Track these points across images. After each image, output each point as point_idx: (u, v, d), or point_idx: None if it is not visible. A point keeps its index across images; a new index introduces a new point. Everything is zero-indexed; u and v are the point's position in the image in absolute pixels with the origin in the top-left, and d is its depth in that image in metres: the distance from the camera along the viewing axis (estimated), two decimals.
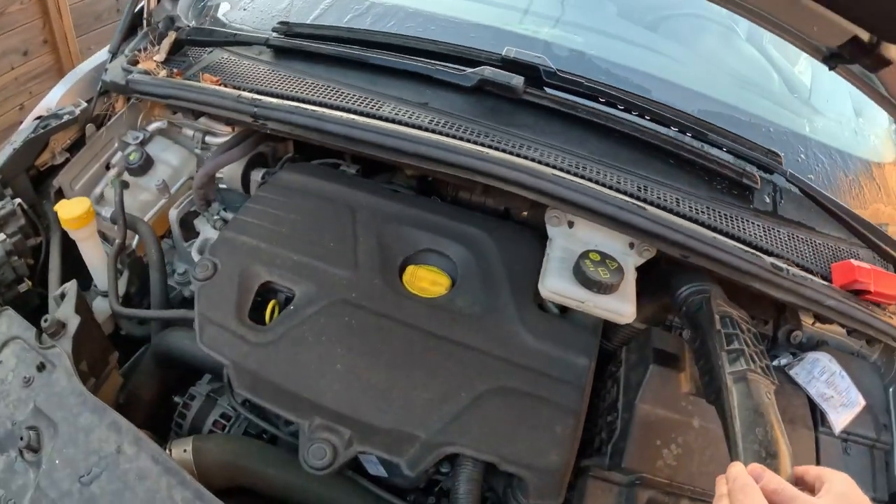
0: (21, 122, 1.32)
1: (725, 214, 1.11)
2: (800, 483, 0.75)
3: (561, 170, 1.03)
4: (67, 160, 1.23)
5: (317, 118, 1.05)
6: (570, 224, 1.06)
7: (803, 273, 1.09)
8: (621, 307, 0.99)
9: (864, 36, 1.01)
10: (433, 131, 1.06)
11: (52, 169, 1.22)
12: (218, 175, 1.33)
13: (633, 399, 1.10)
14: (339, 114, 1.06)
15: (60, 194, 1.22)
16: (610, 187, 1.03)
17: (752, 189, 1.17)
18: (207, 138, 1.36)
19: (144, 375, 1.17)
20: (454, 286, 1.12)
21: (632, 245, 1.07)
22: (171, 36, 1.24)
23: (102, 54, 1.29)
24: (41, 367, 0.97)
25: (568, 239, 1.06)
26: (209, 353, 1.00)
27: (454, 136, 1.05)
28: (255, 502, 1.06)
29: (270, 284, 1.10)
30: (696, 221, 1.06)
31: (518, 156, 1.03)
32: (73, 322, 1.00)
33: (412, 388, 0.97)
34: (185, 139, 1.38)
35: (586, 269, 0.96)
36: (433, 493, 1.08)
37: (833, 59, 1.09)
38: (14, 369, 0.96)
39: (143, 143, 1.32)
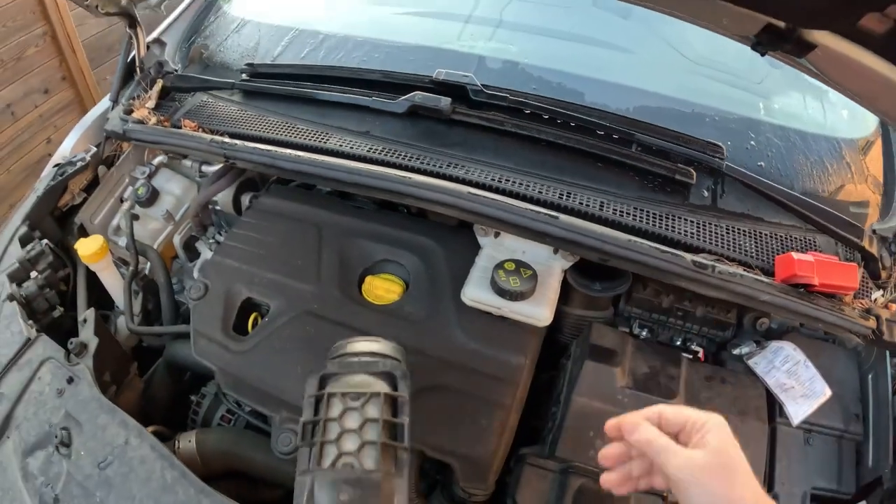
0: (50, 155, 1.62)
1: (654, 213, 1.20)
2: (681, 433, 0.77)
3: (482, 185, 1.17)
4: (85, 199, 1.51)
5: (271, 157, 1.26)
6: (497, 234, 1.20)
7: (734, 269, 1.15)
8: (536, 311, 1.12)
9: (779, 23, 1.04)
10: (370, 160, 1.23)
11: (74, 208, 1.50)
12: (216, 200, 1.57)
13: (571, 392, 1.23)
14: (288, 151, 1.25)
15: (83, 229, 1.51)
16: (530, 198, 1.16)
17: (688, 184, 1.23)
18: (204, 167, 1.60)
19: (159, 381, 1.45)
20: (406, 293, 1.29)
21: (556, 250, 1.19)
22: (159, 84, 1.48)
23: (105, 102, 1.56)
24: (70, 381, 1.25)
25: (495, 248, 1.21)
26: (201, 361, 1.25)
27: (388, 163, 1.22)
28: (248, 485, 1.32)
29: (252, 300, 1.33)
30: (618, 224, 1.16)
31: (443, 176, 1.18)
32: (93, 343, 1.28)
33: None
34: (187, 169, 1.63)
35: (498, 279, 1.11)
36: None
37: (760, 46, 1.12)
38: (49, 383, 1.25)
39: (150, 177, 1.58)
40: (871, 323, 1.22)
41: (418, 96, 1.26)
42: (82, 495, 1.12)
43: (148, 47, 1.55)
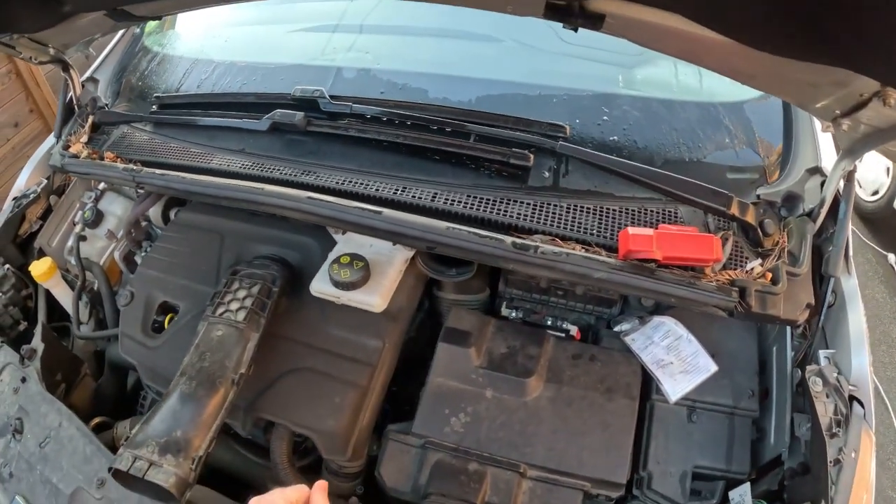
0: None
1: (488, 200, 1.36)
2: None
3: (326, 189, 1.40)
4: (42, 226, 1.90)
5: (165, 180, 1.57)
6: (344, 231, 1.43)
7: (559, 248, 1.28)
8: (369, 299, 1.35)
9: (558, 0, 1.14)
10: (241, 175, 1.51)
11: (33, 235, 1.90)
12: (149, 216, 1.91)
13: (429, 372, 1.44)
14: (179, 174, 1.55)
15: (42, 253, 1.90)
16: (367, 197, 1.37)
17: (525, 167, 1.39)
18: (140, 189, 1.94)
19: (106, 379, 1.81)
20: None
21: (395, 242, 1.39)
22: (90, 120, 1.83)
23: (52, 138, 1.94)
24: (23, 380, 1.63)
25: (346, 243, 1.44)
26: (126, 358, 1.59)
27: (253, 177, 1.49)
28: None
29: (167, 303, 1.65)
30: (447, 213, 1.34)
31: (296, 184, 1.43)
32: (40, 349, 1.65)
33: None
34: (128, 191, 1.99)
35: (332, 272, 1.35)
36: None
37: (566, 25, 1.22)
38: (8, 383, 1.64)
39: (96, 201, 1.95)
40: (734, 295, 1.27)
41: (278, 114, 1.51)
42: (27, 469, 1.49)
43: (83, 86, 1.92)
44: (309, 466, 1.51)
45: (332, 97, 1.48)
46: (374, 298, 1.35)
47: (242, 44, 1.88)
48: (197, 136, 1.67)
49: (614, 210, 1.38)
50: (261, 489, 1.47)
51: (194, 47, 1.93)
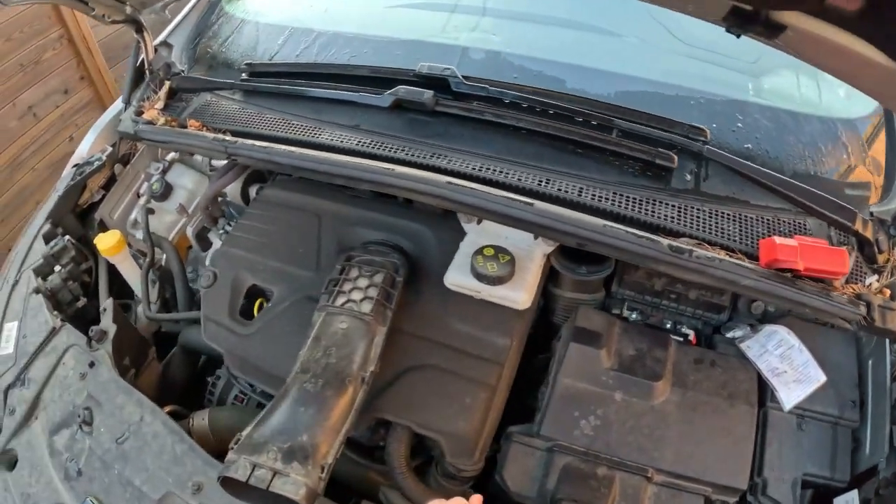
0: (73, 152, 1.86)
1: (634, 198, 1.29)
2: None
3: (463, 175, 1.29)
4: (104, 196, 1.72)
5: (267, 153, 1.41)
6: (479, 221, 1.34)
7: (712, 254, 1.24)
8: (514, 295, 1.26)
9: (745, 6, 1.11)
10: (359, 153, 1.37)
11: (93, 205, 1.71)
12: (226, 192, 1.75)
13: (557, 373, 1.36)
14: (283, 147, 1.40)
15: (102, 224, 1.71)
16: (509, 186, 1.27)
17: (669, 168, 1.33)
18: (213, 162, 1.78)
19: (176, 364, 1.64)
20: None
21: (536, 236, 1.31)
22: (167, 85, 1.66)
23: (119, 103, 1.75)
24: (91, 365, 1.44)
25: (478, 233, 1.34)
26: (210, 345, 1.43)
27: (375, 155, 1.36)
28: None
29: (257, 286, 1.51)
30: (596, 210, 1.26)
31: (426, 167, 1.31)
32: (112, 330, 1.47)
33: None
34: (198, 164, 1.82)
35: (476, 265, 1.24)
36: None
37: (733, 29, 1.19)
38: (73, 368, 1.45)
39: (164, 172, 1.78)
40: (861, 309, 1.26)
41: (402, 90, 1.39)
42: (102, 468, 1.31)
43: (156, 50, 1.73)
44: (417, 468, 1.41)
45: (464, 77, 1.38)
46: (521, 294, 1.26)
47: (346, 15, 1.74)
48: (298, 108, 1.52)
49: (751, 218, 1.34)
50: (369, 491, 1.39)
51: (287, 15, 1.77)
